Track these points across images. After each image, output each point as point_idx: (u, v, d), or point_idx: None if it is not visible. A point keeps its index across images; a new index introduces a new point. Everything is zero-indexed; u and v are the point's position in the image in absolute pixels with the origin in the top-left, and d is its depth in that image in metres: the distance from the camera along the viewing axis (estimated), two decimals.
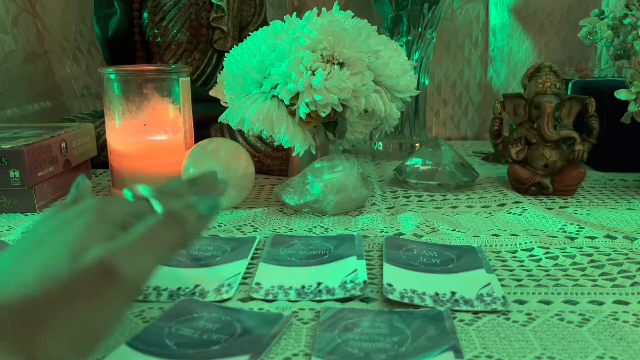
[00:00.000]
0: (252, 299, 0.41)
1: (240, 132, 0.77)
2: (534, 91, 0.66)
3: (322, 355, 0.33)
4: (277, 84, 0.59)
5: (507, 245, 0.51)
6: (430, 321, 0.37)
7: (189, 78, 0.66)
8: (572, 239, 0.52)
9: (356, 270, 0.44)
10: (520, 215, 0.59)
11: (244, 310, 0.39)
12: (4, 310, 0.24)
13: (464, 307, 0.39)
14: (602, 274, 0.45)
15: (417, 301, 0.40)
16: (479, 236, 0.53)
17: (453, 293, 0.41)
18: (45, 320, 0.24)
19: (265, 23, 0.91)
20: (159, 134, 0.64)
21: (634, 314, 0.38)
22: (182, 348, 0.34)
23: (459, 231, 0.54)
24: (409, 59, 0.70)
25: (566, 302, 0.40)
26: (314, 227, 0.56)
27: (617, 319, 0.37)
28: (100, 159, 0.78)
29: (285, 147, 0.62)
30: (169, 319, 0.37)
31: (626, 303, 0.40)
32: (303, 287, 0.42)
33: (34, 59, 0.95)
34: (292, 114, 0.60)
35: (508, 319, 0.38)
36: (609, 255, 0.48)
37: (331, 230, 0.55)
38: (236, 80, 0.61)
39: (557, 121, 0.66)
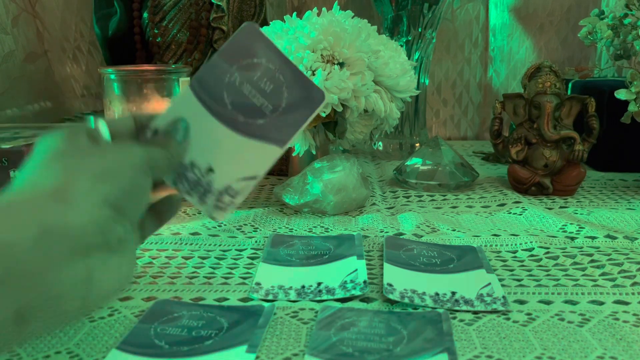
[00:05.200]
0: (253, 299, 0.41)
1: None
2: (534, 91, 0.66)
3: (316, 353, 0.33)
4: None
5: (507, 245, 0.51)
6: (427, 322, 0.37)
7: (189, 78, 0.66)
8: (573, 239, 0.52)
9: (356, 270, 0.44)
10: (520, 215, 0.59)
11: (223, 306, 0.40)
12: None
13: (464, 307, 0.39)
14: (602, 274, 0.45)
15: (417, 301, 0.40)
16: (479, 236, 0.53)
17: (453, 293, 0.41)
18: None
19: (265, 23, 0.90)
20: None
21: (634, 314, 0.38)
22: (176, 346, 0.34)
23: (459, 231, 0.54)
24: (409, 59, 0.70)
25: (566, 302, 0.40)
26: (314, 227, 0.56)
27: (617, 319, 0.37)
28: None
29: None
30: (149, 320, 0.37)
31: (626, 303, 0.40)
32: (303, 287, 0.42)
33: (34, 59, 0.95)
34: None
35: (508, 319, 0.38)
36: (609, 255, 0.48)
37: (331, 230, 0.55)
38: None
39: (557, 121, 0.66)
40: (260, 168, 0.37)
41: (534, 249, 0.50)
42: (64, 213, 0.28)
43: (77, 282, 0.27)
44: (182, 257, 0.49)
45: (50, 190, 0.28)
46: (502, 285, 0.43)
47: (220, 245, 0.52)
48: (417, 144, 0.88)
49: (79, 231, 0.28)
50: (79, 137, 0.33)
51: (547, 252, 0.49)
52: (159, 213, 0.37)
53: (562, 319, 0.38)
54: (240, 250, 0.50)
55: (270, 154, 0.37)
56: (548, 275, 0.45)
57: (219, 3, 0.87)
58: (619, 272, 0.45)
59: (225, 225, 0.56)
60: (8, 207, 0.27)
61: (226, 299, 0.41)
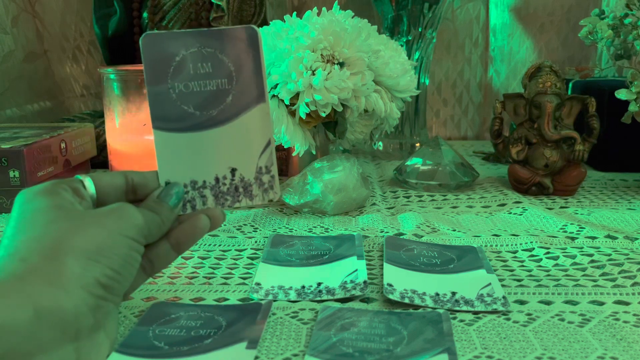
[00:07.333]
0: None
1: None
2: (534, 91, 0.66)
3: (316, 353, 0.33)
4: (277, 84, 0.58)
5: (507, 245, 0.51)
6: (428, 323, 0.37)
7: None
8: (573, 239, 0.52)
9: (356, 270, 0.44)
10: (520, 215, 0.59)
11: (220, 305, 0.40)
12: None
13: (464, 308, 0.39)
14: (602, 274, 0.44)
15: (417, 301, 0.40)
16: (479, 236, 0.53)
17: (453, 293, 0.41)
18: None
19: (265, 23, 0.90)
20: None
21: (634, 314, 0.38)
22: (176, 347, 0.34)
23: (459, 231, 0.54)
24: (409, 58, 0.70)
25: (567, 302, 0.40)
26: (314, 227, 0.56)
27: (617, 319, 0.37)
28: (100, 159, 0.78)
29: (285, 147, 0.62)
30: (147, 323, 0.37)
31: (627, 303, 0.40)
32: (303, 287, 0.42)
33: (33, 58, 0.95)
34: (292, 114, 0.60)
35: (508, 319, 0.38)
36: (609, 255, 0.48)
37: (331, 230, 0.55)
38: None
39: (557, 121, 0.66)
40: (266, 132, 0.38)
41: (534, 249, 0.50)
42: (57, 297, 0.27)
43: None
44: (182, 257, 0.49)
45: (41, 266, 0.28)
46: (503, 286, 0.42)
47: (219, 245, 0.51)
48: (417, 144, 0.88)
49: (71, 317, 0.28)
50: (64, 195, 0.32)
51: (548, 252, 0.49)
52: (150, 263, 0.37)
53: (563, 319, 0.37)
54: (240, 251, 0.50)
55: (262, 114, 0.37)
56: (548, 275, 0.44)
57: (218, 3, 0.86)
58: (619, 273, 0.45)
59: (224, 225, 0.56)
60: (1, 287, 0.27)
61: (226, 299, 0.41)
